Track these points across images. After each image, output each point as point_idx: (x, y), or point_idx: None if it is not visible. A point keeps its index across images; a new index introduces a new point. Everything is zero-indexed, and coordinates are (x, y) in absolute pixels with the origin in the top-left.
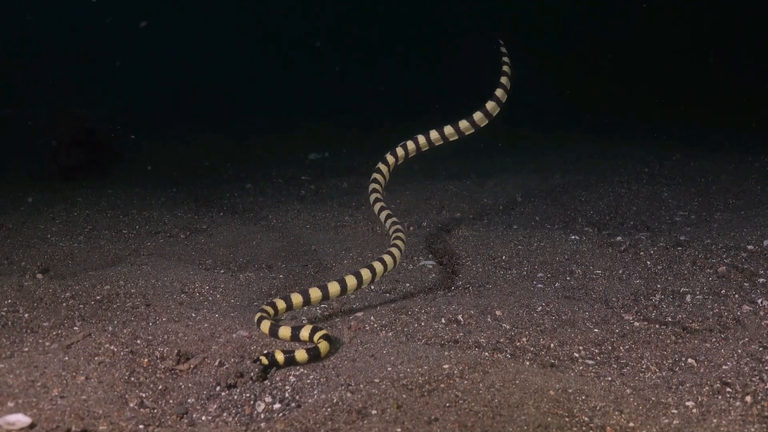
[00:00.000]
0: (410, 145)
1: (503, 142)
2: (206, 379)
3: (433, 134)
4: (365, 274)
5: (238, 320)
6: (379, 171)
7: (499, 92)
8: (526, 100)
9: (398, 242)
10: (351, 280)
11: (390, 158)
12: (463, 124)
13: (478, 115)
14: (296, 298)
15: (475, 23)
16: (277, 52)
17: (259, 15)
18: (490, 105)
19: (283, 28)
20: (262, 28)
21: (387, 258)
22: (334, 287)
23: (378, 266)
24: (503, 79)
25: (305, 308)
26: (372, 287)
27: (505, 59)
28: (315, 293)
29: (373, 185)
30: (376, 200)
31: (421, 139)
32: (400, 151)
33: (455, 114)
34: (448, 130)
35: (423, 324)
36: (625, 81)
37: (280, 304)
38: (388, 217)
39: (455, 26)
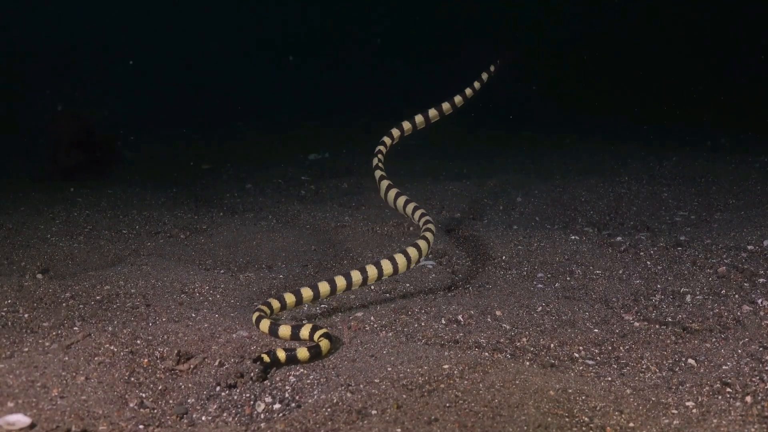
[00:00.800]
0: (395, 132)
1: (503, 143)
2: (206, 380)
3: (418, 118)
4: (386, 266)
5: (238, 320)
6: (380, 160)
7: (476, 84)
8: (527, 100)
9: (419, 242)
10: (376, 269)
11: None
12: (445, 105)
13: (457, 98)
14: (324, 287)
15: (475, 24)
16: (276, 53)
17: (259, 15)
18: (467, 91)
19: (283, 29)
20: (262, 28)
21: (410, 251)
22: (352, 277)
23: (401, 259)
24: (484, 75)
25: (305, 308)
26: (372, 287)
27: (490, 70)
28: (329, 285)
29: (379, 172)
30: (389, 186)
31: (406, 124)
32: (387, 140)
33: (453, 115)
34: (432, 112)
35: (423, 324)
36: (625, 81)
37: (275, 304)
38: (411, 206)
39: (456, 27)
